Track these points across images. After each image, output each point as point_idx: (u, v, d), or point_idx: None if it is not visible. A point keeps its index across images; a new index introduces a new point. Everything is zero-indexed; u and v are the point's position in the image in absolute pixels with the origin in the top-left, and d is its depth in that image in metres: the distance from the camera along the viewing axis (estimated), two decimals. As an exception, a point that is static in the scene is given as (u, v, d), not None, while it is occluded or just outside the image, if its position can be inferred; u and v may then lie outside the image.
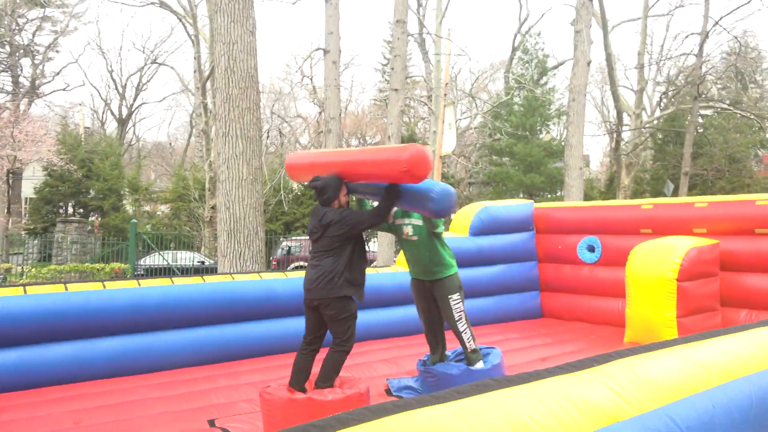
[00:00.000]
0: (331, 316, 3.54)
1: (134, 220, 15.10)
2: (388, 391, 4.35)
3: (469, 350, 4.09)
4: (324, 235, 3.59)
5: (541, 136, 26.78)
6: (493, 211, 7.27)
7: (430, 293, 4.21)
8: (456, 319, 4.06)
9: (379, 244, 12.81)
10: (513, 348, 5.58)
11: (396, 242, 13.58)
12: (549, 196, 25.45)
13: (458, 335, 4.08)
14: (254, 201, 8.04)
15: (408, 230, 4.12)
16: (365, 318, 5.95)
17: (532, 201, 7.87)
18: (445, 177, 24.50)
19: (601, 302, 6.91)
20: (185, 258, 17.09)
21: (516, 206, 7.54)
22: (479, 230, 7.12)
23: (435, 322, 4.29)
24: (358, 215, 3.63)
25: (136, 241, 14.40)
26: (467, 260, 6.88)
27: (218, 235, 8.17)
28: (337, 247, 3.56)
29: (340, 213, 3.61)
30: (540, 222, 7.58)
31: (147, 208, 26.92)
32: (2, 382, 4.36)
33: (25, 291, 4.63)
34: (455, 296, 4.09)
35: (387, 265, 8.26)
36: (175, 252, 17.36)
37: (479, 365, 4.09)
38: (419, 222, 4.09)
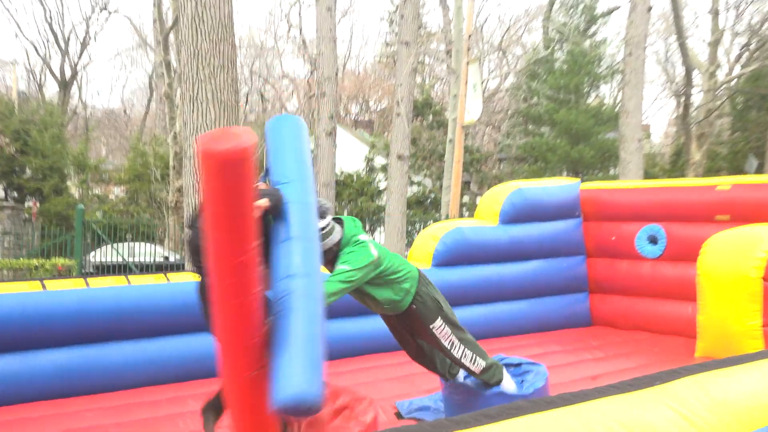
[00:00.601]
0: None
1: (81, 206, 15.19)
2: (398, 415, 4.38)
3: (478, 373, 3.98)
4: None
5: (589, 101, 26.58)
6: (528, 193, 7.25)
7: (402, 327, 4.06)
8: (448, 347, 3.89)
9: (386, 234, 12.83)
10: (555, 363, 5.56)
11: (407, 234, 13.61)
12: (600, 174, 25.37)
13: (459, 364, 3.98)
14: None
15: None
16: (368, 327, 5.96)
17: (578, 180, 7.87)
18: (468, 151, 24.48)
19: (666, 307, 6.91)
20: (145, 252, 17.19)
21: (558, 187, 7.52)
22: (512, 217, 7.11)
23: (426, 353, 4.16)
24: None
25: (83, 232, 14.49)
26: (496, 254, 6.89)
27: (185, 224, 8.19)
28: None
29: None
30: (589, 207, 7.56)
31: (97, 190, 27.04)
32: None
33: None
34: (437, 323, 3.85)
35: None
36: (132, 245, 17.46)
37: (508, 385, 4.05)
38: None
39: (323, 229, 3.52)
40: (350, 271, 3.48)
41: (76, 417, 4.38)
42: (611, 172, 24.55)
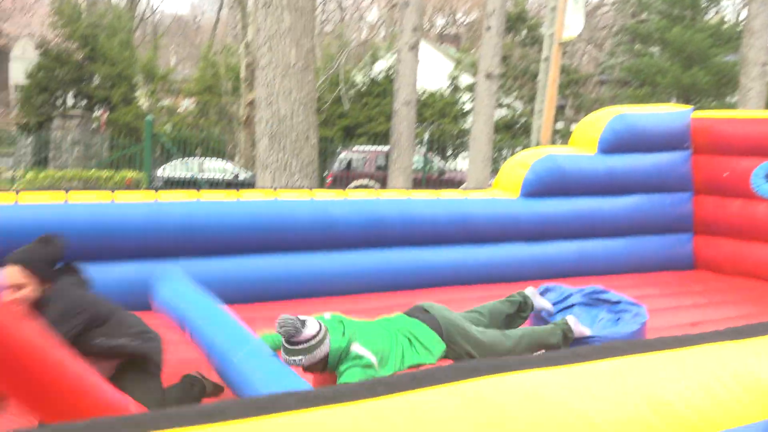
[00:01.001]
0: None
1: (150, 117, 15.59)
2: None
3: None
4: None
5: (707, 17, 25.25)
6: (632, 120, 7.05)
7: None
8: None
9: (470, 160, 12.74)
10: (652, 307, 5.35)
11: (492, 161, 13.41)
12: (714, 102, 24.31)
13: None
14: (305, 95, 8.10)
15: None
16: (450, 257, 6.12)
17: (690, 108, 7.59)
18: (565, 72, 23.78)
19: None
20: (215, 168, 17.64)
21: (666, 114, 7.29)
22: (612, 146, 6.94)
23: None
24: None
25: (152, 144, 14.93)
26: (592, 186, 6.77)
27: (257, 139, 8.34)
28: None
29: None
30: (700, 137, 7.32)
31: (166, 102, 27.71)
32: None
33: (17, 199, 4.93)
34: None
35: (481, 187, 8.23)
36: (201, 160, 17.93)
37: (581, 328, 3.98)
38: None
39: (314, 337, 3.26)
40: None
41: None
42: (728, 99, 23.49)
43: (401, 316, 3.71)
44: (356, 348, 3.29)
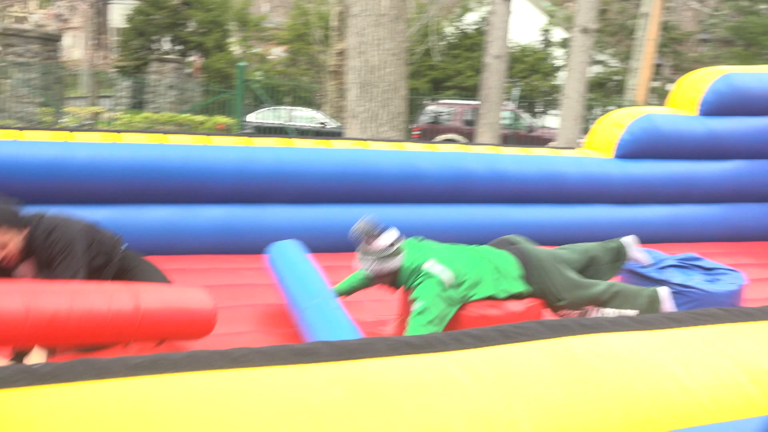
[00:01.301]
0: None
1: (243, 63, 15.82)
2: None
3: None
4: None
5: None
6: (738, 80, 6.71)
7: None
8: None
9: (561, 118, 12.45)
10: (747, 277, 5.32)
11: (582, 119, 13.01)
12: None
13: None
14: (396, 46, 8.05)
15: None
16: (537, 216, 6.03)
17: None
18: (665, 28, 22.80)
19: None
20: (303, 117, 17.83)
21: None
22: (714, 108, 6.64)
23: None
24: None
25: (243, 91, 15.17)
26: (691, 150, 6.53)
27: (347, 88, 8.36)
28: None
29: None
30: None
31: (258, 49, 28.02)
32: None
33: (118, 138, 5.13)
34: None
35: (571, 146, 8.04)
36: (290, 109, 18.14)
37: (669, 304, 3.74)
38: None
39: (386, 248, 3.36)
40: (427, 310, 3.19)
41: (235, 274, 4.78)
42: None
43: (488, 247, 3.68)
44: (430, 265, 3.31)
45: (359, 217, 5.72)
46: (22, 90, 15.07)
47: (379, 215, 5.69)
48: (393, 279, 3.42)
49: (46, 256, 3.17)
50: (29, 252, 3.19)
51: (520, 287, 3.47)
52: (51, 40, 16.55)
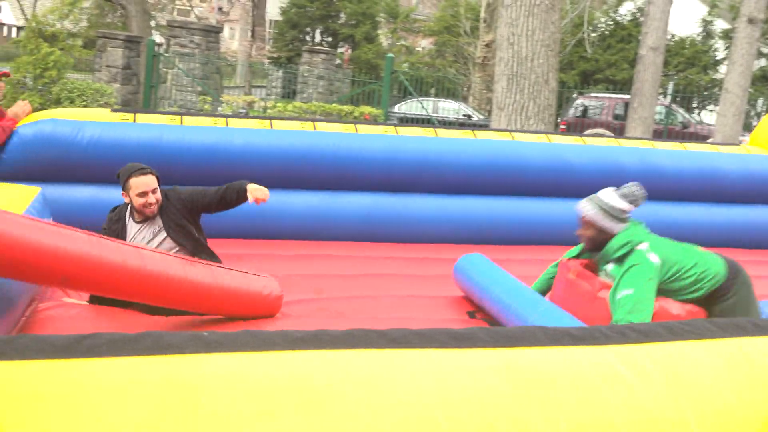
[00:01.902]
0: None
1: (391, 55, 16.00)
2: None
3: None
4: None
5: None
6: None
7: None
8: None
9: (719, 114, 11.76)
10: None
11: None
12: None
13: None
14: (548, 37, 7.87)
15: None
16: (693, 214, 5.75)
17: None
18: None
19: None
20: (448, 109, 17.82)
21: None
22: None
23: None
24: None
25: (390, 82, 15.35)
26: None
27: (495, 80, 8.26)
28: None
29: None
30: None
31: (405, 41, 28.26)
32: (248, 227, 5.18)
33: (271, 125, 5.31)
34: None
35: (731, 143, 7.56)
36: (436, 100, 18.17)
37: None
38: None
39: (623, 212, 3.38)
40: (636, 297, 3.10)
41: (377, 264, 4.83)
42: None
43: (696, 247, 3.54)
44: (644, 247, 3.29)
45: (504, 210, 5.66)
46: (184, 79, 15.96)
47: (524, 208, 5.62)
48: (601, 240, 3.41)
49: (176, 215, 3.64)
50: (160, 211, 3.66)
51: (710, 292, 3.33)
52: (212, 32, 17.41)
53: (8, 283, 2.81)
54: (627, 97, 14.50)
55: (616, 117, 17.65)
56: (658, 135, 15.93)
